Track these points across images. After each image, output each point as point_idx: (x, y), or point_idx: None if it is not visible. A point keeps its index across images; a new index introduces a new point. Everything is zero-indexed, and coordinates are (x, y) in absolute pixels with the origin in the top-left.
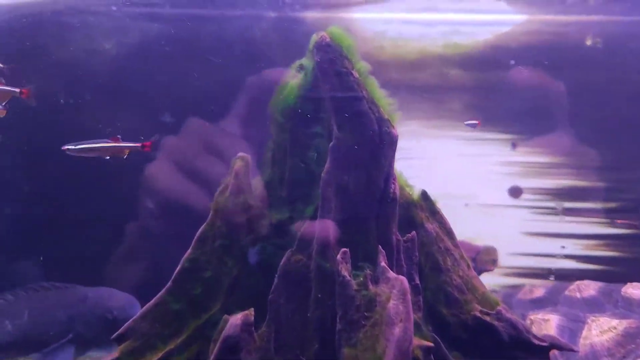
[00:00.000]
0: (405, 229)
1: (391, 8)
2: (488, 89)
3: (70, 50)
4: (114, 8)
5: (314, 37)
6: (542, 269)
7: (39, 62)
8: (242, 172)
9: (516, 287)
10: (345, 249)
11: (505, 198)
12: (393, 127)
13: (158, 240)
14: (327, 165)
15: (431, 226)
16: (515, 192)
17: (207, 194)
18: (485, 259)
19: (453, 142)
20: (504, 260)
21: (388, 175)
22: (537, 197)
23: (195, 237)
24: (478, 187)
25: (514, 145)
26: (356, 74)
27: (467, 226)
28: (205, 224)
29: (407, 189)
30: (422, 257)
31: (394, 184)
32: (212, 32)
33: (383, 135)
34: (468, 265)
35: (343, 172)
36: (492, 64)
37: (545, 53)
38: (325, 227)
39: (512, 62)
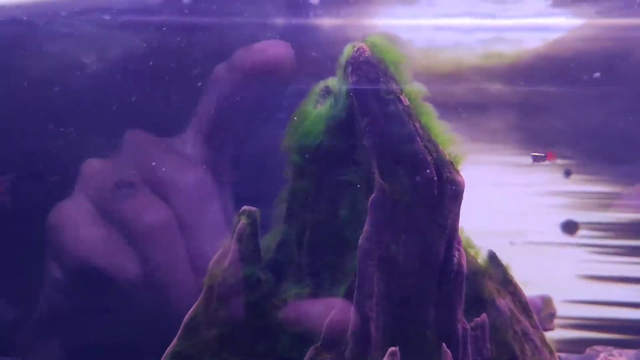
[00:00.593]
0: (471, 308)
1: (420, 13)
2: (536, 106)
3: (41, 66)
4: (107, 17)
5: (348, 50)
6: (607, 319)
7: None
8: (246, 233)
9: (576, 343)
10: (393, 347)
11: (558, 235)
12: (457, 172)
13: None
14: (366, 228)
15: (504, 302)
16: (570, 227)
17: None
18: (542, 314)
19: (494, 168)
20: (559, 309)
21: (451, 239)
22: (596, 233)
23: (183, 324)
24: (525, 223)
25: (567, 173)
26: (406, 101)
27: (513, 268)
28: (195, 305)
29: (471, 251)
30: (493, 346)
31: (458, 250)
32: (208, 44)
33: (444, 184)
34: (551, 351)
35: (389, 237)
36: (541, 77)
37: (606, 63)
38: (363, 316)
39: (597, 74)
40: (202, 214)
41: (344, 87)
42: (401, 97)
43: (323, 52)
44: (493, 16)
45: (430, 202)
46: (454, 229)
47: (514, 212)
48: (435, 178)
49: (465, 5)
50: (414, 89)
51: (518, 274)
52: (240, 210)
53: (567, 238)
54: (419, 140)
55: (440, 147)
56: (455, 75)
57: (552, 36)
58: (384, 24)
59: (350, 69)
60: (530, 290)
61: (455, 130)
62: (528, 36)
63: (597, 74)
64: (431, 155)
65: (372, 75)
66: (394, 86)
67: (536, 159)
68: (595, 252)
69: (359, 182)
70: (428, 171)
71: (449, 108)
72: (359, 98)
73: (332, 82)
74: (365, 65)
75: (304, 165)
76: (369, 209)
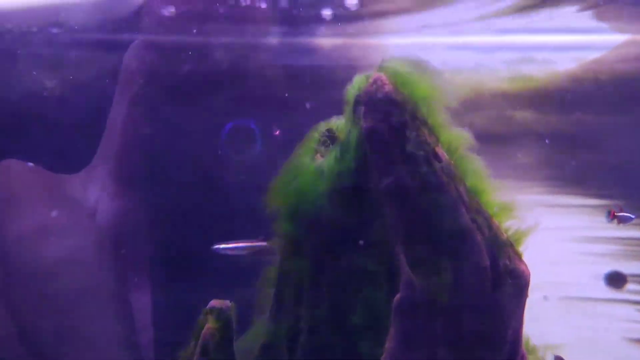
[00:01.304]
0: None
1: (434, 30)
2: (571, 137)
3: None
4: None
5: (360, 81)
6: None
7: None
8: (215, 340)
9: None
10: None
11: (602, 289)
12: (520, 258)
13: None
14: (389, 344)
15: None
16: (616, 280)
17: None
18: None
19: (523, 210)
20: None
21: (513, 353)
22: None
23: None
24: (561, 274)
25: (611, 215)
26: (445, 155)
27: (547, 328)
28: None
29: (532, 358)
30: None
31: None
32: (188, 65)
33: (501, 276)
34: None
35: (423, 356)
36: (576, 103)
37: None
38: None
39: None
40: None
41: (355, 134)
42: (438, 150)
43: (322, 76)
44: (519, 32)
45: (481, 302)
46: (516, 340)
47: (548, 261)
48: (489, 267)
49: (486, 21)
50: (455, 135)
51: (553, 334)
52: (207, 307)
53: (612, 293)
54: (465, 212)
55: (495, 221)
56: (475, 102)
57: (589, 56)
58: (392, 43)
59: (364, 109)
60: (567, 354)
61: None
62: (560, 56)
63: None
64: (482, 233)
65: (395, 119)
66: (428, 135)
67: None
68: None
69: (377, 270)
70: (478, 258)
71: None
72: (377, 151)
73: (338, 124)
74: (386, 104)
75: (298, 238)
76: (394, 314)
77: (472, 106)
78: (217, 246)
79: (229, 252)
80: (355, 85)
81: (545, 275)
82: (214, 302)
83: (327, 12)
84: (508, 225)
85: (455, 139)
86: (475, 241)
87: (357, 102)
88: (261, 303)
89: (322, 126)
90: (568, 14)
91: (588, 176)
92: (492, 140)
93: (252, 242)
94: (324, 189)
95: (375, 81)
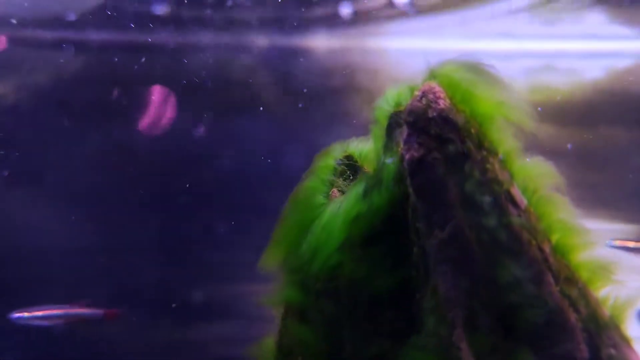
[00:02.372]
0: None
1: (440, 32)
2: (598, 154)
3: None
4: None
5: (402, 94)
6: None
7: None
8: None
9: None
10: None
11: (636, 327)
12: (629, 344)
13: None
14: None
15: None
16: None
17: None
18: None
19: None
20: None
21: None
22: None
23: None
24: None
25: None
26: (522, 199)
27: None
28: None
29: None
30: None
31: None
32: (164, 68)
33: None
34: None
35: None
36: (604, 117)
37: None
38: None
39: None
40: None
41: (391, 167)
42: (513, 191)
43: (317, 82)
44: (540, 38)
45: None
46: None
47: None
48: (587, 358)
49: (506, 24)
50: (534, 169)
51: None
52: None
53: None
54: (551, 280)
55: (592, 292)
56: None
57: (618, 64)
58: (396, 47)
59: (408, 132)
60: None
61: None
62: (586, 64)
63: None
64: (577, 311)
65: (454, 148)
66: (499, 171)
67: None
68: None
69: (425, 354)
70: (572, 348)
71: None
72: (426, 193)
73: (360, 149)
74: (441, 126)
75: (306, 305)
76: None
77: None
78: (16, 314)
79: (33, 322)
80: (393, 99)
81: None
82: None
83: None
84: (605, 293)
85: (534, 174)
86: (567, 324)
87: (396, 122)
88: None
89: (337, 151)
90: (597, 19)
91: (616, 198)
92: None
93: (69, 309)
94: (342, 239)
95: (424, 94)
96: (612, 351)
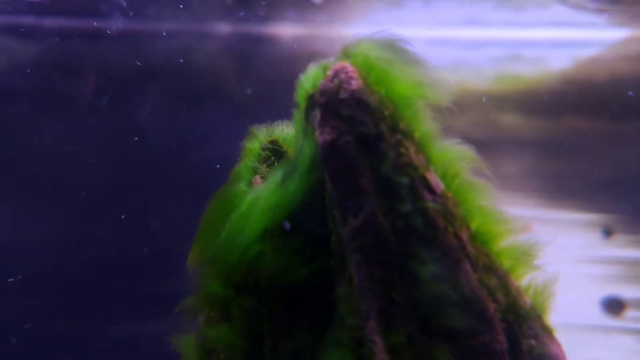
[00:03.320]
0: None
1: (410, 19)
2: (564, 144)
3: None
4: None
5: (316, 74)
6: None
7: None
8: None
9: None
10: None
11: (598, 316)
12: (551, 335)
13: None
14: None
15: None
16: (614, 306)
17: None
18: None
19: None
20: None
21: None
22: None
23: None
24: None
25: (608, 233)
26: (439, 183)
27: None
28: None
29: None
30: None
31: None
32: (120, 55)
33: None
34: None
35: None
36: (570, 107)
37: None
38: None
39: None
40: None
41: (308, 150)
42: (429, 176)
43: (280, 71)
44: (507, 26)
45: None
46: None
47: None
48: (506, 352)
49: (471, 11)
50: (454, 153)
51: None
52: None
53: (610, 320)
54: (469, 268)
55: (513, 281)
56: (456, 103)
57: (585, 53)
58: (363, 33)
59: (320, 114)
60: None
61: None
62: (553, 53)
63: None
64: (496, 301)
65: (366, 131)
66: (414, 154)
67: None
68: None
69: (340, 353)
70: (490, 339)
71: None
72: (339, 178)
73: (286, 133)
74: (353, 108)
75: (228, 300)
76: None
77: (451, 109)
78: None
79: None
80: (309, 80)
81: None
82: None
83: None
84: (528, 281)
85: (454, 158)
86: (485, 313)
87: (311, 104)
88: None
89: (262, 135)
90: (563, 7)
91: (581, 188)
92: (475, 146)
93: None
94: (260, 230)
95: (336, 74)
96: (533, 342)
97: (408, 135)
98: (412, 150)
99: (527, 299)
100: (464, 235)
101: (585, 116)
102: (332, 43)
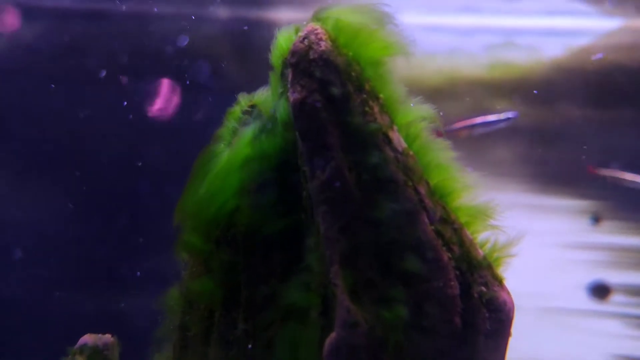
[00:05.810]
0: None
1: (406, 5)
2: (555, 131)
3: None
4: None
5: (288, 36)
6: None
7: None
8: None
9: None
10: None
11: (585, 300)
12: (501, 284)
13: None
14: None
15: None
16: (600, 291)
17: None
18: None
19: (499, 210)
20: None
21: None
22: (636, 300)
23: None
24: (540, 284)
25: (596, 219)
26: (401, 141)
27: (524, 342)
28: None
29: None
30: None
31: None
32: (117, 37)
33: (475, 307)
34: None
35: None
36: (561, 95)
37: None
38: None
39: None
40: None
41: (282, 109)
42: (392, 134)
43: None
44: (501, 13)
45: (447, 344)
46: None
47: (524, 270)
48: (459, 297)
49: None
50: (417, 115)
51: (531, 350)
52: (77, 345)
53: (596, 305)
54: (427, 221)
55: (468, 233)
56: (450, 90)
57: (577, 42)
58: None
59: (291, 74)
60: None
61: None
62: (546, 41)
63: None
64: (450, 250)
65: (335, 90)
66: (379, 114)
67: None
68: (634, 325)
69: (307, 300)
70: (444, 284)
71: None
72: (308, 134)
73: (264, 98)
74: (322, 68)
75: (208, 253)
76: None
77: (445, 96)
78: None
79: None
80: (282, 43)
81: (522, 285)
82: (87, 338)
83: None
84: (485, 237)
85: (417, 120)
86: (440, 261)
87: (284, 64)
88: (162, 336)
89: (244, 101)
90: None
91: (571, 175)
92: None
93: None
94: (238, 184)
95: (307, 36)
96: (483, 289)
97: (373, 95)
98: (376, 109)
99: (481, 251)
100: (423, 190)
101: (576, 104)
102: None
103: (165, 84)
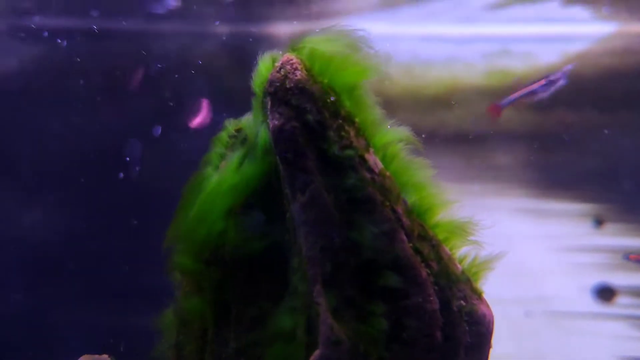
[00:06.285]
0: None
1: (404, 18)
2: (554, 137)
3: None
4: None
5: (266, 65)
6: None
7: None
8: None
9: None
10: None
11: (589, 303)
12: (480, 298)
13: None
14: None
15: None
16: (605, 293)
17: None
18: None
19: (502, 215)
20: None
21: None
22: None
23: None
24: (545, 287)
25: (598, 222)
26: (377, 162)
27: (529, 345)
28: None
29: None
30: None
31: None
32: (126, 55)
33: (455, 322)
34: None
35: None
36: (559, 101)
37: None
38: None
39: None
40: None
41: (263, 135)
42: (367, 156)
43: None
44: (496, 22)
45: (429, 358)
46: None
47: (530, 273)
48: (438, 311)
49: (462, 9)
50: (392, 137)
51: (536, 353)
52: None
53: (601, 307)
54: (404, 238)
55: (446, 249)
56: (448, 98)
57: (573, 48)
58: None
59: (270, 101)
60: None
61: (449, 167)
62: (541, 48)
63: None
64: (429, 266)
65: (310, 117)
66: (355, 137)
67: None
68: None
69: (293, 317)
70: (423, 299)
71: (440, 139)
72: (287, 159)
73: (249, 123)
74: (298, 96)
75: (199, 274)
76: None
77: (445, 104)
78: None
79: None
80: (262, 70)
81: (527, 289)
82: (85, 358)
83: None
84: (463, 252)
85: (392, 142)
86: (418, 277)
87: (265, 92)
88: (158, 355)
89: (231, 125)
90: (551, 2)
91: (572, 179)
92: (466, 140)
93: None
94: (223, 209)
95: (283, 66)
96: (462, 302)
97: (349, 120)
98: (352, 134)
99: (459, 266)
100: (400, 209)
101: (573, 109)
102: None
103: (204, 102)
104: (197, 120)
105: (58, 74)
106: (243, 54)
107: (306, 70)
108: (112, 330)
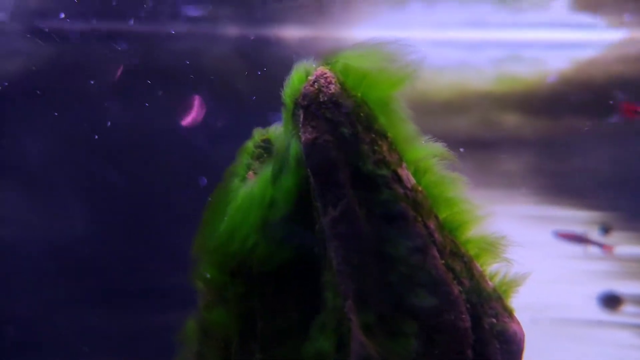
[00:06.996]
0: None
1: (413, 22)
2: (563, 143)
3: None
4: None
5: (298, 77)
6: None
7: None
8: None
9: None
10: None
11: (596, 311)
12: (511, 316)
13: None
14: None
15: None
16: (611, 301)
17: None
18: None
19: (509, 222)
20: None
21: None
22: None
23: None
24: (552, 294)
25: (606, 230)
26: (410, 178)
27: (535, 353)
28: None
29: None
30: None
31: None
32: (132, 56)
33: (487, 339)
34: None
35: None
36: (568, 107)
37: None
38: None
39: (619, 95)
40: None
41: (295, 148)
42: (400, 171)
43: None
44: (507, 27)
45: None
46: None
47: (537, 280)
48: (470, 329)
49: (472, 14)
50: (425, 152)
51: None
52: None
53: (607, 315)
54: (436, 254)
55: (478, 266)
56: (458, 104)
57: (583, 54)
58: (366, 36)
59: (303, 115)
60: None
61: (457, 173)
62: (552, 55)
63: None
64: (461, 283)
65: (344, 131)
66: (388, 152)
67: None
68: None
69: (324, 331)
70: (455, 317)
71: (450, 145)
72: (320, 173)
73: (277, 133)
74: (331, 110)
75: (224, 286)
76: None
77: (454, 109)
78: None
79: None
80: (294, 83)
81: (533, 296)
82: None
83: None
84: (494, 269)
85: (425, 156)
86: (450, 295)
87: (296, 105)
88: None
89: (257, 135)
90: (562, 8)
91: (581, 186)
92: (476, 145)
93: None
94: (256, 220)
95: (317, 80)
96: (494, 320)
97: (382, 134)
98: (385, 148)
99: (490, 283)
100: (432, 224)
101: (582, 116)
102: (336, 44)
103: (196, 99)
104: (189, 118)
105: (69, 74)
106: (254, 57)
107: (340, 84)
108: (123, 333)
